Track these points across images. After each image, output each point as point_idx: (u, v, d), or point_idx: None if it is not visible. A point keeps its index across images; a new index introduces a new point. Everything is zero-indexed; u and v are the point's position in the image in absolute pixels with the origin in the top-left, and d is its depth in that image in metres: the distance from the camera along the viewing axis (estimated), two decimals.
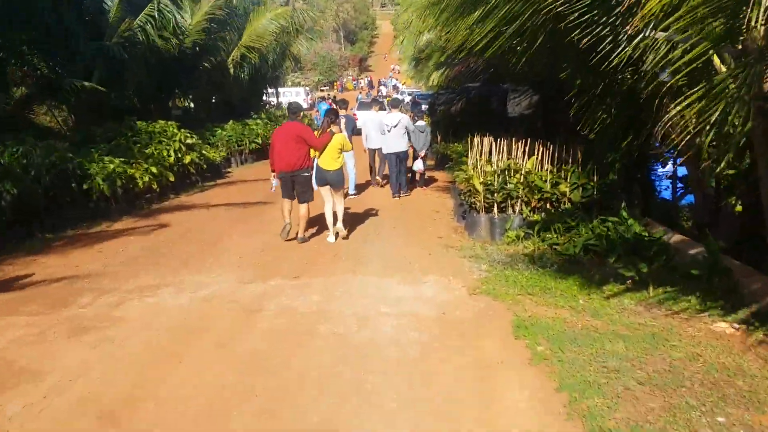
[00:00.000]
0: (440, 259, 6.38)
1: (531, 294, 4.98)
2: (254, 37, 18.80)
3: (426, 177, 11.62)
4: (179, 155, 11.81)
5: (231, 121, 16.94)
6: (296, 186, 7.02)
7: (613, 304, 4.72)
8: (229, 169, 14.93)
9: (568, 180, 7.16)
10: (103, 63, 12.40)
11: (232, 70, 18.69)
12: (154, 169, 10.31)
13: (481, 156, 7.82)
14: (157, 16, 12.87)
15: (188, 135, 12.12)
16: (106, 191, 9.08)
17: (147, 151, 10.83)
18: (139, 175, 9.91)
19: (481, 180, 7.27)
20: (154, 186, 10.33)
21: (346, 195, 8.34)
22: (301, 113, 7.60)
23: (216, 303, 5.06)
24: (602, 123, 6.29)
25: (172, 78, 16.17)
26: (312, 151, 7.11)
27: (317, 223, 7.92)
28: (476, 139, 8.44)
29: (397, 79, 52.38)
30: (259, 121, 18.49)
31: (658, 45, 4.56)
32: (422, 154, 10.85)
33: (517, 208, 7.29)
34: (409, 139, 10.50)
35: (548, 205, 7.23)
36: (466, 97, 9.95)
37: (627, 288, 5.03)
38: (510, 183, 7.31)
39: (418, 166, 10.87)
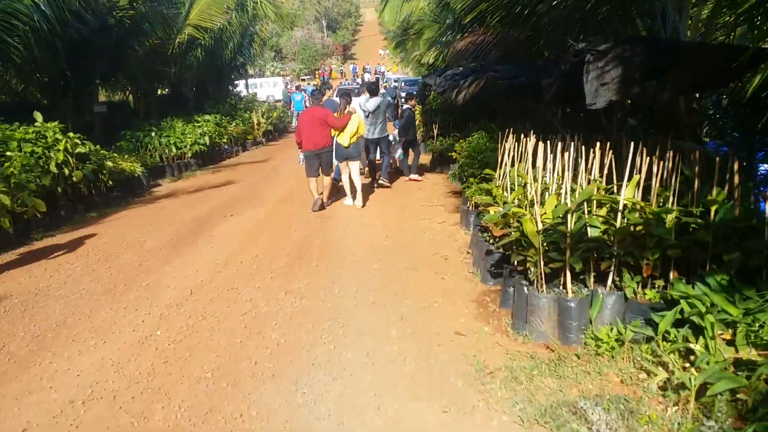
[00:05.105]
0: None
1: None
2: (204, 14, 15.11)
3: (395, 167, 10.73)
4: (65, 170, 8.17)
5: (169, 118, 13.25)
6: (322, 162, 7.89)
7: None
8: (159, 181, 11.19)
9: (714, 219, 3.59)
10: None
11: (177, 56, 14.99)
12: (5, 199, 6.66)
13: (525, 167, 4.25)
14: None
15: (79, 141, 8.42)
16: None
17: (5, 169, 7.16)
18: None
19: (539, 227, 3.68)
20: (6, 225, 6.67)
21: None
22: (323, 98, 8.49)
23: None
24: None
25: (90, 65, 12.44)
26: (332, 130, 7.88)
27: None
28: (511, 140, 4.85)
29: (379, 65, 48.61)
30: (209, 117, 14.78)
31: None
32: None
33: (610, 278, 3.73)
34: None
35: (672, 270, 3.67)
36: (483, 74, 6.34)
37: None
38: (592, 227, 3.74)
39: (395, 153, 10.65)
